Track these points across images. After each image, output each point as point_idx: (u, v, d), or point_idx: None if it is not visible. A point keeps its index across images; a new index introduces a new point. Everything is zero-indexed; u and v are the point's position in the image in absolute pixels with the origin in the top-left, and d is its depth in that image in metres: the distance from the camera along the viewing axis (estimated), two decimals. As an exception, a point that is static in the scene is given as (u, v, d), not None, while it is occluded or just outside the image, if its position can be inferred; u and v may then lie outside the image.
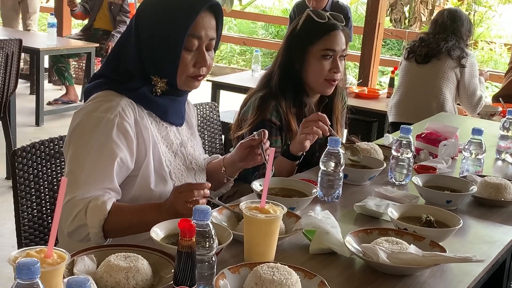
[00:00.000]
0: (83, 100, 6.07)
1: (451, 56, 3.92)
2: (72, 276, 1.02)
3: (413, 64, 4.05)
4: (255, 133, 2.01)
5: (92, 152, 1.73)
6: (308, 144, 2.27)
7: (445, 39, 3.96)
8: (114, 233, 1.71)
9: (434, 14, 4.28)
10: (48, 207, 2.04)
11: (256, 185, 1.99)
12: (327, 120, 2.26)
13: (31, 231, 2.00)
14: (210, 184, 1.68)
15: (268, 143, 2.01)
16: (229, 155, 2.11)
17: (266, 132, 2.00)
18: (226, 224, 1.73)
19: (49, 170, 2.05)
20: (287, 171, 2.33)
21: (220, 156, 2.19)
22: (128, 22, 6.39)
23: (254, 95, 2.52)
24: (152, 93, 1.84)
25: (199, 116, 2.78)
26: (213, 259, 1.36)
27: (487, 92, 4.21)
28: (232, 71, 8.53)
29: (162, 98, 1.86)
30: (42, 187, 2.02)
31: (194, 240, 1.24)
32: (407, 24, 10.75)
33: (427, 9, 10.53)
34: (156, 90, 1.84)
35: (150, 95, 1.84)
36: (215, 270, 1.37)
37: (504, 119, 2.76)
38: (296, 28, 2.49)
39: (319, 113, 2.29)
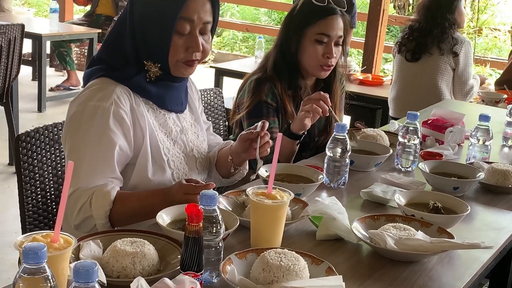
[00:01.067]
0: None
1: (441, 51, 3.87)
2: (79, 261, 1.01)
3: (406, 60, 4.01)
4: (256, 124, 1.94)
5: (91, 143, 1.72)
6: (308, 122, 2.26)
7: (430, 31, 3.88)
8: (120, 222, 1.70)
9: None
10: (52, 192, 2.03)
11: (262, 171, 1.98)
12: (329, 100, 2.25)
13: (35, 216, 1.99)
14: (214, 185, 1.65)
15: (268, 136, 1.95)
16: (234, 144, 2.07)
17: (267, 123, 1.94)
18: (232, 210, 1.71)
19: (53, 155, 2.03)
20: (289, 150, 2.33)
21: (232, 142, 2.13)
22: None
23: (249, 78, 2.52)
24: (146, 79, 1.81)
25: (203, 102, 2.76)
26: (220, 244, 1.35)
27: (491, 79, 4.17)
28: (235, 58, 8.49)
29: (157, 85, 1.83)
30: (46, 172, 2.01)
31: (201, 225, 1.23)
32: (410, 11, 10.68)
33: (431, -4, 10.45)
34: (150, 75, 1.81)
35: (144, 83, 1.81)
36: (222, 255, 1.36)
37: (511, 105, 2.74)
38: (294, 10, 2.48)
39: (321, 92, 2.27)
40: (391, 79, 4.62)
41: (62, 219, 1.15)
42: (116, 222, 1.69)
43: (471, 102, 4.09)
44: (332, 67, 2.48)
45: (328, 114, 2.26)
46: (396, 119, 4.02)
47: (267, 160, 1.92)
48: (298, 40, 2.45)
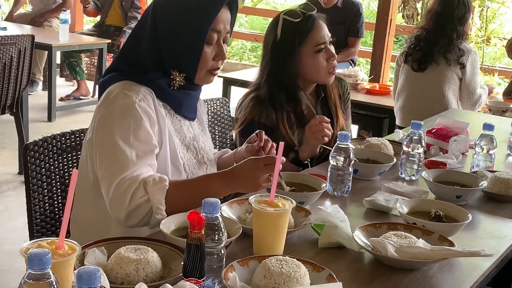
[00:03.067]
0: (96, 95, 6.07)
1: (448, 61, 3.86)
2: (82, 267, 1.04)
3: (412, 70, 4.01)
4: (254, 134, 2.04)
5: (129, 134, 1.73)
6: (317, 149, 2.34)
7: (437, 41, 3.87)
8: (175, 208, 1.66)
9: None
10: (59, 200, 2.06)
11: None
12: (326, 119, 2.31)
13: (43, 224, 2.02)
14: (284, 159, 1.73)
15: (269, 142, 2.02)
16: (239, 151, 2.12)
17: (262, 132, 2.01)
18: (235, 218, 1.74)
19: (61, 164, 2.06)
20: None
21: (230, 150, 2.20)
22: (139, 18, 6.45)
23: (248, 95, 2.53)
24: (169, 86, 1.86)
25: (210, 111, 2.79)
26: (222, 251, 1.37)
27: (499, 88, 4.17)
28: (244, 67, 8.52)
29: (178, 91, 1.88)
30: (54, 181, 2.04)
31: (203, 232, 1.25)
32: (419, 20, 10.69)
33: (439, 5, 10.46)
34: (174, 84, 1.86)
35: (166, 87, 1.86)
36: (224, 262, 1.38)
37: (516, 115, 2.75)
38: (277, 37, 2.44)
39: (317, 116, 2.32)
40: (392, 88, 4.63)
41: (67, 226, 1.18)
42: (171, 207, 1.66)
43: (478, 111, 4.10)
44: (335, 69, 2.50)
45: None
46: (403, 128, 4.04)
47: None
48: (294, 62, 2.42)
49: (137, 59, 1.86)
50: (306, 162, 2.37)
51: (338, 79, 2.68)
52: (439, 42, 3.87)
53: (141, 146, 1.73)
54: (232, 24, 1.91)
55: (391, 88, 4.80)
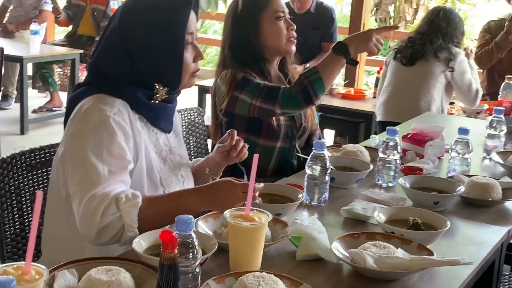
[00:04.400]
0: None
1: (438, 58, 3.90)
2: None
3: (401, 65, 4.04)
4: (226, 133, 2.04)
5: (102, 149, 1.68)
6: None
7: (431, 40, 3.94)
8: (148, 225, 1.61)
9: (428, 12, 4.23)
10: (30, 219, 2.00)
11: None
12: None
13: (13, 244, 1.96)
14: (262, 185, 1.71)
15: (241, 141, 2.02)
16: (210, 155, 2.11)
17: (234, 131, 2.02)
18: (211, 233, 1.70)
19: (31, 182, 2.01)
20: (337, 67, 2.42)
21: (201, 159, 2.17)
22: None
23: (219, 76, 2.55)
24: (148, 98, 1.81)
25: (185, 121, 2.76)
26: (197, 270, 1.33)
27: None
28: (219, 74, 8.47)
29: (155, 104, 1.84)
30: (24, 199, 1.99)
31: (176, 251, 1.21)
32: (392, 23, 10.76)
33: (411, 8, 10.55)
34: (157, 97, 1.82)
35: (144, 99, 1.81)
36: (199, 281, 1.35)
37: (491, 117, 2.75)
38: (237, 7, 2.53)
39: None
40: (373, 93, 4.64)
41: (33, 250, 1.14)
42: (144, 224, 1.62)
43: (451, 114, 4.11)
44: (295, 40, 2.56)
45: None
46: (383, 123, 4.05)
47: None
48: (256, 29, 2.50)
49: (111, 72, 1.80)
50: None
51: None
52: (432, 40, 3.93)
53: (114, 162, 1.69)
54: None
55: (366, 93, 4.82)
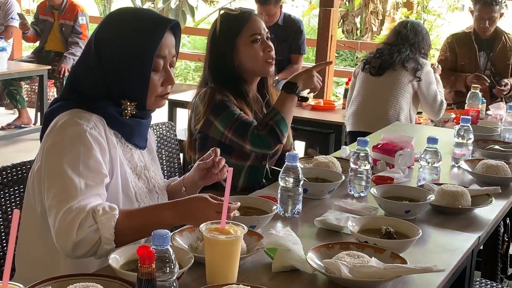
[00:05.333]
0: (38, 123, 5.86)
1: (406, 68, 3.97)
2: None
3: (369, 75, 4.09)
4: (208, 152, 2.04)
5: (79, 162, 1.68)
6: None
7: (399, 50, 4.00)
8: (124, 238, 1.64)
9: (396, 25, 4.32)
10: (3, 237, 1.99)
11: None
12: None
13: (-14, 263, 1.94)
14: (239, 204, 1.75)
15: (223, 160, 2.03)
16: (188, 175, 2.11)
17: (218, 149, 2.03)
18: (187, 247, 1.70)
19: (3, 200, 1.99)
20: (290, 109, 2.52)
21: (178, 178, 2.17)
22: (80, 44, 6.38)
23: (197, 95, 2.61)
24: (121, 114, 1.83)
25: (156, 136, 2.76)
26: (175, 284, 1.34)
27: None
28: (189, 88, 8.49)
29: (129, 120, 1.85)
30: (-5, 217, 1.97)
31: (154, 266, 1.22)
32: (358, 35, 10.89)
33: (377, 19, 10.69)
34: (126, 113, 1.83)
35: (117, 115, 1.82)
36: (177, 295, 1.35)
37: (459, 126, 2.80)
38: (216, 30, 2.57)
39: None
40: (343, 104, 4.68)
41: (10, 269, 1.13)
42: (121, 236, 1.62)
43: (419, 123, 4.17)
44: (274, 60, 2.59)
45: None
46: (353, 133, 4.09)
47: None
48: (233, 52, 2.54)
49: (85, 89, 1.81)
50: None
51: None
52: (400, 51, 4.00)
53: (90, 175, 1.69)
54: (178, 47, 1.90)
55: (336, 104, 4.87)
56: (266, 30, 2.58)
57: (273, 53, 2.57)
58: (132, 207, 1.83)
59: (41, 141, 1.80)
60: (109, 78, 1.79)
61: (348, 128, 4.22)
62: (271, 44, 2.57)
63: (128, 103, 1.82)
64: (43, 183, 1.72)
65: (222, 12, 2.57)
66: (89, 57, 1.82)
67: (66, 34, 6.55)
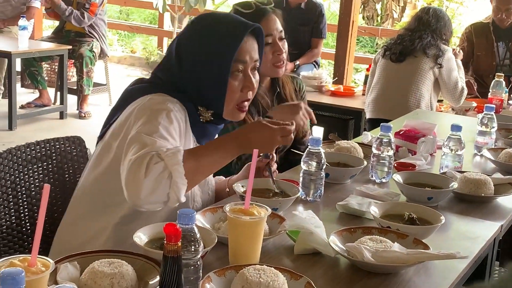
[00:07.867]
0: (57, 103, 5.82)
1: (427, 54, 3.93)
2: (57, 285, 1.01)
3: (390, 62, 4.06)
4: (261, 155, 2.05)
5: (158, 128, 1.67)
6: None
7: (420, 37, 3.97)
8: (192, 175, 1.60)
9: (418, 10, 4.27)
10: (26, 213, 2.00)
11: (239, 186, 1.98)
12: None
13: (9, 238, 1.96)
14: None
15: (275, 165, 2.08)
16: (235, 176, 2.13)
17: (274, 155, 2.06)
18: (209, 227, 1.71)
19: (27, 176, 2.01)
20: None
21: (223, 177, 2.19)
22: (86, 18, 6.35)
23: None
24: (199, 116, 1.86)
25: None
26: (199, 263, 1.35)
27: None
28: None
29: (205, 123, 1.88)
30: (19, 194, 1.98)
31: (180, 244, 1.23)
32: (379, 21, 10.81)
33: (398, 6, 10.60)
34: (202, 119, 1.86)
35: (196, 114, 1.85)
36: (200, 273, 1.36)
37: (482, 114, 2.78)
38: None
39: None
40: (362, 90, 4.66)
41: (39, 242, 1.14)
42: (189, 174, 1.59)
43: (440, 111, 4.14)
44: (284, 63, 2.48)
45: None
46: (372, 120, 4.08)
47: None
48: None
49: (171, 81, 1.86)
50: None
51: (292, 77, 2.71)
52: (422, 37, 3.96)
53: (168, 138, 1.67)
54: (261, 51, 1.89)
55: (355, 90, 4.85)
56: (280, 29, 2.43)
57: (283, 55, 2.45)
58: (184, 203, 1.76)
59: (112, 115, 1.85)
60: (187, 80, 1.82)
61: (368, 115, 4.20)
62: (282, 46, 2.43)
63: (205, 110, 1.84)
64: (125, 149, 1.69)
65: (234, 10, 2.41)
66: (170, 61, 1.85)
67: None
